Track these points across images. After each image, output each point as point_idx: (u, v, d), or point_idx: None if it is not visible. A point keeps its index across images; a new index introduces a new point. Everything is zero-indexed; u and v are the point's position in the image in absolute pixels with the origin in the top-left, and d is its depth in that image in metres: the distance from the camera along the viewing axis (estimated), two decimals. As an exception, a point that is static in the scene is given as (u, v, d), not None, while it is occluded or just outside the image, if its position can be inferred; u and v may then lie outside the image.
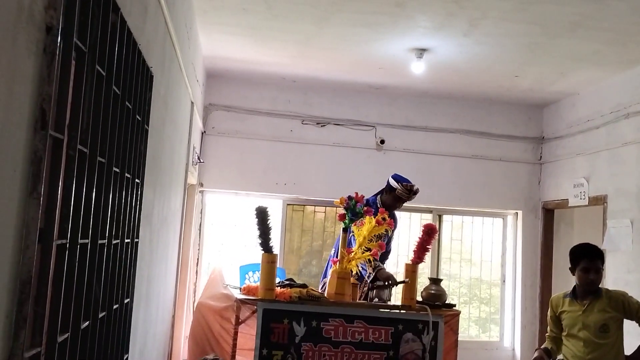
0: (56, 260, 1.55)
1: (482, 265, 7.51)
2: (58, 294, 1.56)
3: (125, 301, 2.52)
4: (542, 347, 3.81)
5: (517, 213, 7.36)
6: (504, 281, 7.40)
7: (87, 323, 1.87)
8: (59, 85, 1.46)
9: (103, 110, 1.89)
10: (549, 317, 3.85)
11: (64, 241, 1.58)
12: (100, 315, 2.05)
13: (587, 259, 3.61)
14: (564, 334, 3.70)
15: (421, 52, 5.40)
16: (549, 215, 7.23)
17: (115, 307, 2.29)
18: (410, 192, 4.98)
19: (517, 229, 7.36)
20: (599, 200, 5.98)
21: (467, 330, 7.39)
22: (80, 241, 1.72)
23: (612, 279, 5.50)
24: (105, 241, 2.05)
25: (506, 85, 6.50)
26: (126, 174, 2.33)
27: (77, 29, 1.56)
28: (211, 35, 5.43)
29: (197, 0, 4.60)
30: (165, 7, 3.16)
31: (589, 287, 3.61)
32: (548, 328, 3.87)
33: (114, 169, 2.11)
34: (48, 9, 1.37)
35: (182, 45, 4.04)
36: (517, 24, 4.66)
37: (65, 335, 1.63)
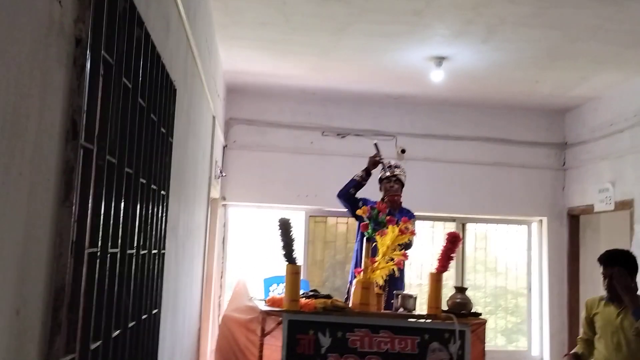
0: (87, 268, 1.57)
1: (507, 274, 7.43)
2: (90, 302, 1.59)
3: (154, 311, 2.54)
4: (572, 352, 3.76)
5: (541, 220, 7.29)
6: (530, 290, 7.31)
7: (117, 332, 1.89)
8: (88, 97, 1.49)
9: (130, 121, 1.93)
10: (583, 319, 3.80)
11: (95, 250, 1.60)
12: (130, 325, 2.07)
13: (602, 266, 3.61)
14: (597, 336, 3.65)
15: (440, 60, 5.41)
16: (574, 222, 7.14)
17: (144, 317, 2.32)
18: (390, 166, 5.24)
19: (542, 236, 7.27)
20: (625, 205, 5.90)
21: (494, 340, 7.29)
22: (110, 250, 1.75)
23: (642, 284, 5.40)
24: (134, 251, 2.08)
25: (526, 91, 6.46)
26: (152, 185, 2.36)
27: (105, 42, 1.59)
28: (231, 49, 5.50)
29: (216, 15, 4.66)
30: (187, 22, 3.21)
31: (608, 295, 3.60)
32: (581, 330, 3.82)
33: (141, 180, 2.14)
34: (77, 22, 1.40)
35: (203, 59, 4.10)
36: (535, 29, 4.64)
37: (98, 343, 1.65)
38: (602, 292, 3.72)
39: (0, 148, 1.08)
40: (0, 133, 1.07)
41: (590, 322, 3.73)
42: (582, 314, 3.82)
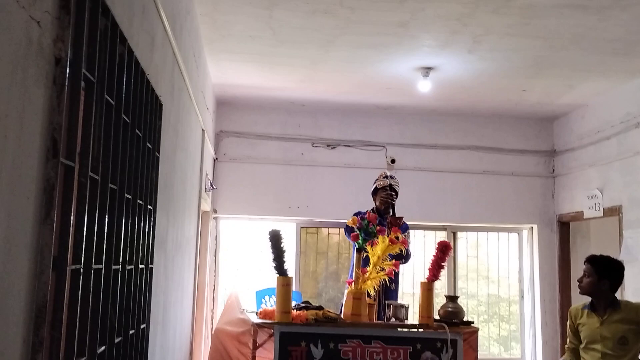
0: (71, 285, 1.58)
1: (499, 282, 7.45)
2: (73, 318, 1.59)
3: (142, 327, 2.54)
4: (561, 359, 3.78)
5: (532, 227, 7.32)
6: (523, 297, 7.33)
7: (103, 348, 1.90)
8: (68, 115, 1.51)
9: (113, 138, 1.94)
10: (568, 328, 3.81)
11: (77, 266, 1.61)
12: (117, 340, 2.08)
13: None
14: (582, 346, 3.66)
15: (427, 70, 5.45)
16: (564, 228, 7.18)
17: (131, 332, 2.32)
18: (386, 177, 5.19)
19: (533, 243, 7.30)
20: (614, 211, 5.94)
21: (488, 349, 7.30)
22: (94, 266, 1.75)
23: (632, 290, 5.43)
24: (119, 267, 2.09)
25: (514, 100, 6.52)
26: (138, 201, 2.37)
27: (86, 60, 1.61)
28: (219, 63, 5.52)
29: (204, 30, 4.69)
30: (173, 37, 3.23)
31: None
32: (567, 339, 3.83)
33: (126, 195, 2.15)
34: (56, 41, 1.42)
35: (190, 74, 4.12)
36: (520, 38, 4.69)
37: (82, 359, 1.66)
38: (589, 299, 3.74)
39: (-22, 168, 1.09)
40: (-22, 153, 1.08)
41: (575, 332, 3.75)
42: (568, 323, 3.84)
